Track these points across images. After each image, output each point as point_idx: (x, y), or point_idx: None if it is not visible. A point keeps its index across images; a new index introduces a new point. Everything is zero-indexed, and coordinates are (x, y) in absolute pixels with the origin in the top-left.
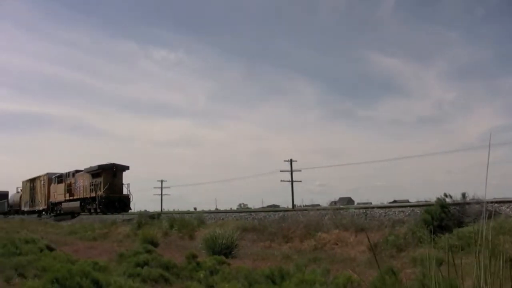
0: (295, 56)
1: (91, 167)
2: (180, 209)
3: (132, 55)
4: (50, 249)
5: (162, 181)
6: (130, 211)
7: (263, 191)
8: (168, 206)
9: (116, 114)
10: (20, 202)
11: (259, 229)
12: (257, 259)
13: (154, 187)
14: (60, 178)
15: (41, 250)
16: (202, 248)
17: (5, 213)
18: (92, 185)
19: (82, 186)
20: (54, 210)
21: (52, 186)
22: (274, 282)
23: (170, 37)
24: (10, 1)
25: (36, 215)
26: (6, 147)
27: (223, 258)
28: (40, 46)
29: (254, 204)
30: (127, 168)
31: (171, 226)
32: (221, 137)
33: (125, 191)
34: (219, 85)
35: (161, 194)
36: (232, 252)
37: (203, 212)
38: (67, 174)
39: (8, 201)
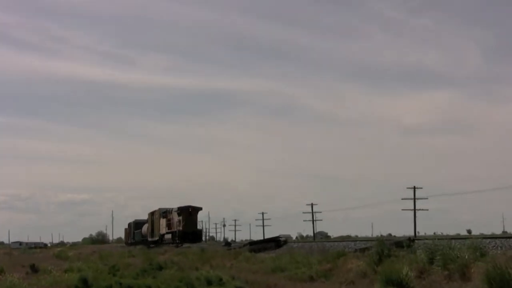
0: None
1: (176, 207)
2: (444, 232)
3: None
4: None
5: (414, 188)
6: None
7: None
8: (426, 228)
9: (338, 87)
10: (147, 232)
11: None
12: None
13: (402, 198)
14: (165, 213)
15: None
16: None
17: (137, 243)
18: (178, 221)
19: (174, 221)
20: (162, 241)
21: (161, 220)
22: None
23: None
24: None
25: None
26: (178, 141)
27: None
28: None
29: None
30: (200, 209)
31: (431, 259)
32: (510, 116)
33: (199, 227)
34: (503, 32)
35: (414, 210)
36: None
37: (482, 236)
38: (169, 211)
39: (141, 231)
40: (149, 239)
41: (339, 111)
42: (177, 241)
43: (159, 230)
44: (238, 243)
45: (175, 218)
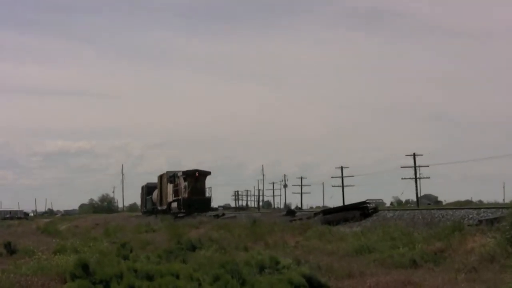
0: None
1: (181, 171)
2: None
3: None
4: (316, 285)
5: None
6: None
7: None
8: None
9: None
10: (157, 199)
11: None
12: None
13: None
14: (172, 178)
15: None
16: None
17: (149, 212)
18: (184, 187)
19: (180, 188)
20: (169, 210)
21: (168, 185)
22: None
23: None
24: None
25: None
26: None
27: None
28: None
29: None
30: (208, 173)
31: None
32: None
33: (207, 194)
34: None
35: None
36: None
37: None
38: (176, 175)
39: (152, 197)
40: (159, 207)
41: (452, 17)
42: (182, 210)
43: (166, 197)
44: (305, 211)
45: (182, 183)
